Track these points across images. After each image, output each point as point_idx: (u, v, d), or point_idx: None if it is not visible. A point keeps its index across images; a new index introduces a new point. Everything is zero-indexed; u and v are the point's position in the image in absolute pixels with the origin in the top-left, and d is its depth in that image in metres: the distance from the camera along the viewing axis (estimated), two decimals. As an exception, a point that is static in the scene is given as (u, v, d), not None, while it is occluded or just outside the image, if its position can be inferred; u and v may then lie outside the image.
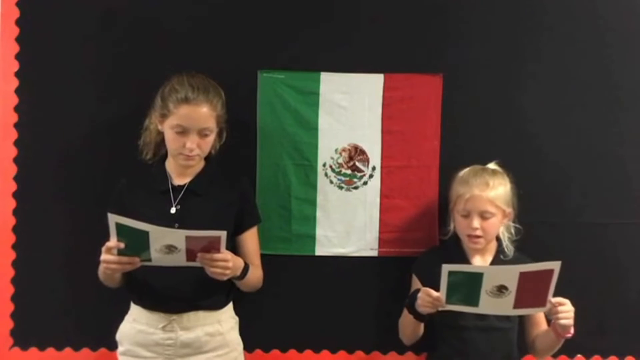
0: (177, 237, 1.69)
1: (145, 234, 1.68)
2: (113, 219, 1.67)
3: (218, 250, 1.72)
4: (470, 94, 2.15)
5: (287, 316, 2.15)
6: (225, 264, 1.75)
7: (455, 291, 1.72)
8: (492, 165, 2.01)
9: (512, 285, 1.69)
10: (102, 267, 1.78)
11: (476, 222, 1.91)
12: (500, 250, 2.00)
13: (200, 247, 1.71)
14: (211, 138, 1.89)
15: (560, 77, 2.15)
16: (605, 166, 2.17)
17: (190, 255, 1.72)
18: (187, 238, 1.69)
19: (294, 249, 2.15)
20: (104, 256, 1.73)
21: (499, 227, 1.96)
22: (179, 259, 1.73)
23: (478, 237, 1.92)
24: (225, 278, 1.79)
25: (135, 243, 1.70)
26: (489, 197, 1.91)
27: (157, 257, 1.72)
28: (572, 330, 1.82)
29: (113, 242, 1.70)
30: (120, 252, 1.72)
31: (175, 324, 1.86)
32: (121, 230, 1.68)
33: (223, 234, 1.70)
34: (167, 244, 1.70)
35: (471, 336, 1.93)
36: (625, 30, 2.16)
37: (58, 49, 2.11)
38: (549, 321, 1.92)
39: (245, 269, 1.88)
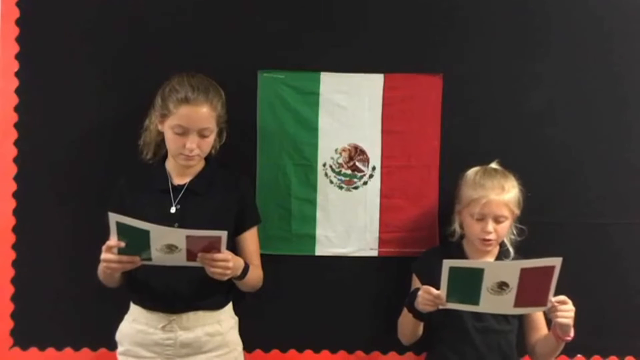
0: (178, 236, 1.69)
1: (146, 233, 1.67)
2: (114, 218, 1.67)
3: (218, 250, 1.72)
4: (470, 94, 2.15)
5: (287, 316, 2.15)
6: (225, 264, 1.75)
7: (456, 288, 1.72)
8: (494, 165, 2.01)
9: (513, 282, 1.69)
10: (102, 266, 1.77)
11: (491, 226, 1.90)
12: (502, 252, 2.00)
13: (200, 247, 1.71)
14: (211, 138, 1.89)
15: (561, 76, 2.15)
16: (606, 166, 2.17)
17: (191, 255, 1.72)
18: (188, 238, 1.69)
19: (294, 249, 2.15)
20: (104, 255, 1.73)
21: (508, 229, 1.97)
22: (180, 259, 1.72)
23: (491, 240, 1.92)
24: (225, 278, 1.79)
25: (136, 242, 1.70)
26: (505, 200, 1.91)
27: (158, 256, 1.72)
28: (571, 334, 1.82)
29: (113, 241, 1.70)
30: (121, 251, 1.72)
31: (174, 324, 1.86)
32: (122, 229, 1.68)
33: (224, 234, 1.70)
34: (167, 243, 1.69)
35: (470, 338, 1.93)
36: (630, 28, 2.16)
37: (58, 48, 2.11)
38: (549, 326, 1.91)
39: (246, 269, 1.88)
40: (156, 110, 1.89)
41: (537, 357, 1.99)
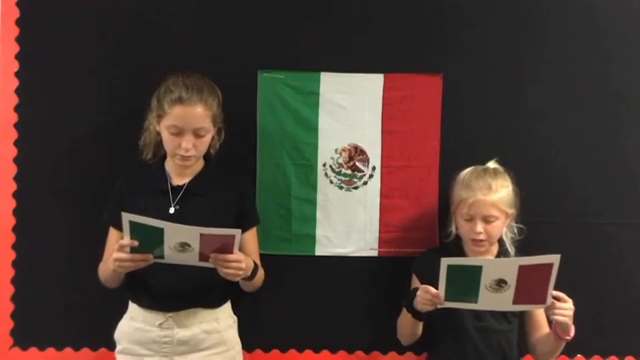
0: (192, 234, 1.68)
1: (159, 231, 1.67)
2: (126, 217, 1.67)
3: (230, 251, 1.72)
4: (470, 94, 2.15)
5: (287, 316, 2.15)
6: (238, 264, 1.75)
7: (454, 287, 1.71)
8: (492, 164, 2.00)
9: (512, 279, 1.68)
10: (114, 265, 1.76)
11: (480, 227, 1.89)
12: (502, 251, 1.99)
13: (213, 247, 1.71)
14: (207, 138, 1.88)
15: (561, 76, 2.15)
16: (606, 166, 2.16)
17: (203, 255, 1.72)
18: (202, 236, 1.68)
19: (294, 249, 2.15)
20: (116, 255, 1.72)
21: (502, 229, 1.95)
22: (192, 258, 1.72)
23: (482, 241, 1.91)
24: (237, 279, 1.80)
25: (149, 240, 1.70)
26: (493, 200, 1.89)
27: (170, 254, 1.72)
28: (572, 333, 1.82)
29: (126, 240, 1.70)
30: (133, 250, 1.72)
31: (172, 321, 1.86)
32: (135, 228, 1.68)
33: (237, 233, 1.70)
34: (181, 241, 1.69)
35: (470, 337, 1.92)
36: (629, 28, 2.16)
37: (58, 49, 2.11)
38: (550, 324, 1.91)
39: (255, 269, 1.88)
40: (153, 110, 1.89)
41: (538, 356, 1.99)
